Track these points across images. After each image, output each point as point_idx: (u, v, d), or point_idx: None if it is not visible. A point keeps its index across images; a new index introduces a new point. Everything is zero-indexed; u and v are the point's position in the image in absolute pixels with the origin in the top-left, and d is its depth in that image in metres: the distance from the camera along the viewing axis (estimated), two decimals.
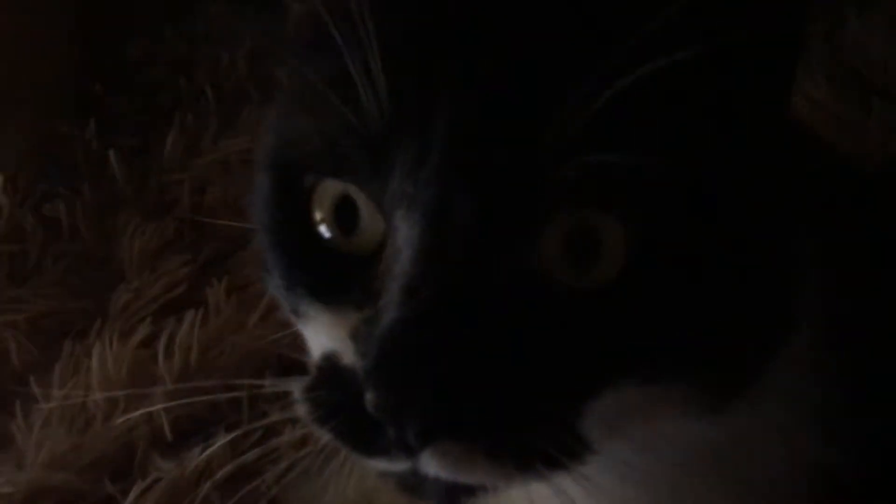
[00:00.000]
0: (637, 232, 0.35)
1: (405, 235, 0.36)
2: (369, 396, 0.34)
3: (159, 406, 0.65)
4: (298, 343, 0.44)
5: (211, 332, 0.73)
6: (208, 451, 0.63)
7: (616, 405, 0.37)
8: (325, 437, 0.39)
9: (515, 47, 0.36)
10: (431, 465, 0.36)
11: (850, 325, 0.45)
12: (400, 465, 0.37)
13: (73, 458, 0.65)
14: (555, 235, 0.36)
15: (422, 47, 0.36)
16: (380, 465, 0.38)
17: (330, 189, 0.39)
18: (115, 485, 0.64)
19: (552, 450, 0.36)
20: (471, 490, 0.38)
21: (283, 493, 0.65)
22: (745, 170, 0.38)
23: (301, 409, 0.39)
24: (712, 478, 0.44)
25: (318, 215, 0.39)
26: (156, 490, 0.63)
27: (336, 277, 0.39)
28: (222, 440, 0.61)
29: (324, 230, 0.39)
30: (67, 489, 0.64)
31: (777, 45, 0.38)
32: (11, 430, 0.68)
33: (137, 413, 0.65)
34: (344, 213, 0.39)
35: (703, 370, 0.38)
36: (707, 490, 0.44)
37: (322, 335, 0.39)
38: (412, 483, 0.38)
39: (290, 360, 0.58)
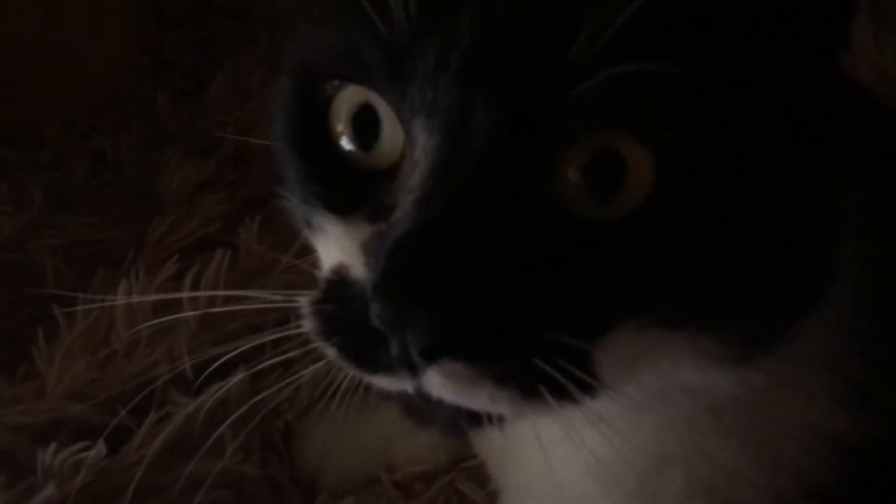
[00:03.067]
0: (664, 160, 0.32)
1: (422, 145, 0.33)
2: (374, 308, 0.32)
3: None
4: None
5: (239, 273, 0.67)
6: (226, 387, 0.58)
7: (634, 344, 0.33)
8: (329, 352, 0.36)
9: None
10: (435, 385, 0.33)
11: None
12: (403, 384, 0.34)
13: (92, 392, 0.61)
14: (576, 160, 0.32)
15: None
16: (383, 382, 0.35)
17: (351, 96, 0.36)
18: (132, 417, 0.59)
19: (562, 379, 0.33)
20: (476, 418, 0.35)
21: (297, 433, 0.61)
22: (786, 107, 0.34)
23: (307, 323, 0.36)
24: (728, 434, 0.40)
25: (338, 126, 0.36)
26: (170, 423, 0.58)
27: (351, 190, 0.36)
28: (241, 375, 0.57)
29: (344, 143, 0.36)
30: (83, 420, 0.59)
31: None
32: (35, 356, 0.63)
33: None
34: (364, 125, 0.35)
35: (725, 317, 0.34)
36: (721, 446, 0.40)
37: (333, 248, 0.37)
38: (416, 407, 0.36)
39: None
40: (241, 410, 0.50)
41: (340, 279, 0.35)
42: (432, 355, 0.32)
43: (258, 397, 0.47)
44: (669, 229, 0.32)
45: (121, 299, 0.63)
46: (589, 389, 0.33)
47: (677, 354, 0.35)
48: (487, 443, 0.50)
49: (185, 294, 0.63)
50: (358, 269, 0.34)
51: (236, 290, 0.66)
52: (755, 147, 0.33)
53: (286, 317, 0.64)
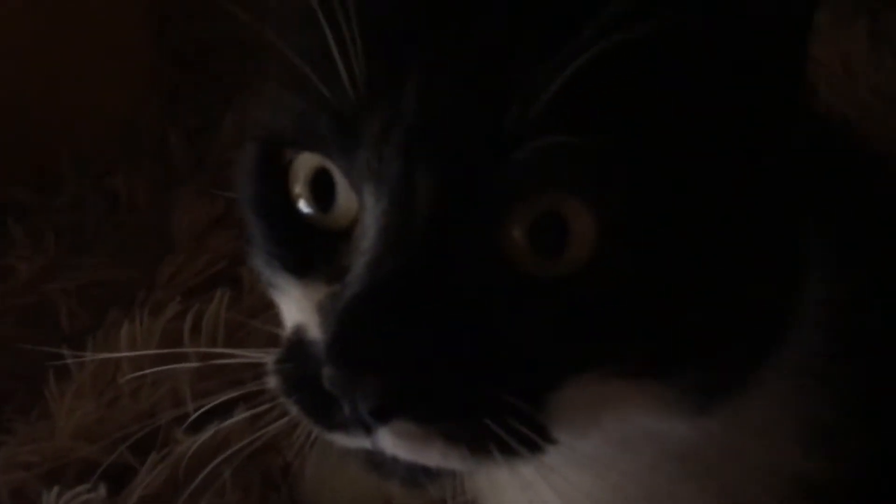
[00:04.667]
0: (607, 220, 0.32)
1: (371, 210, 0.34)
2: (325, 371, 0.33)
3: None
4: None
5: (242, 310, 0.68)
6: (228, 423, 0.59)
7: (585, 397, 0.33)
8: (291, 409, 0.37)
9: (484, 30, 0.33)
10: (389, 444, 0.34)
11: (867, 339, 0.39)
12: (358, 442, 0.35)
13: (98, 431, 0.62)
14: (519, 221, 0.32)
15: (398, 28, 0.34)
16: (341, 440, 0.36)
17: (306, 162, 0.37)
18: (136, 457, 0.60)
19: (509, 438, 0.33)
20: (433, 472, 0.36)
21: (296, 469, 0.62)
22: (736, 156, 0.34)
23: (271, 381, 0.37)
24: (691, 480, 0.40)
25: (296, 189, 0.37)
26: (171, 460, 0.59)
27: (309, 251, 0.37)
28: (242, 414, 0.58)
29: (302, 205, 0.37)
30: (89, 461, 0.60)
31: (769, 23, 0.34)
32: (47, 397, 0.65)
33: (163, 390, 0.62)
34: (321, 188, 0.36)
35: (681, 367, 0.34)
36: (685, 492, 0.40)
37: (293, 308, 0.38)
38: (376, 461, 0.36)
39: None
40: (240, 446, 0.51)
41: (298, 340, 0.36)
42: (382, 416, 0.33)
43: (257, 434, 0.48)
44: (618, 285, 0.32)
45: (124, 351, 0.64)
46: (536, 447, 0.34)
47: (635, 404, 0.35)
48: (475, 480, 0.50)
49: (189, 349, 0.64)
50: (314, 329, 0.35)
51: (238, 328, 0.68)
52: (706, 199, 0.33)
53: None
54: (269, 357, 0.38)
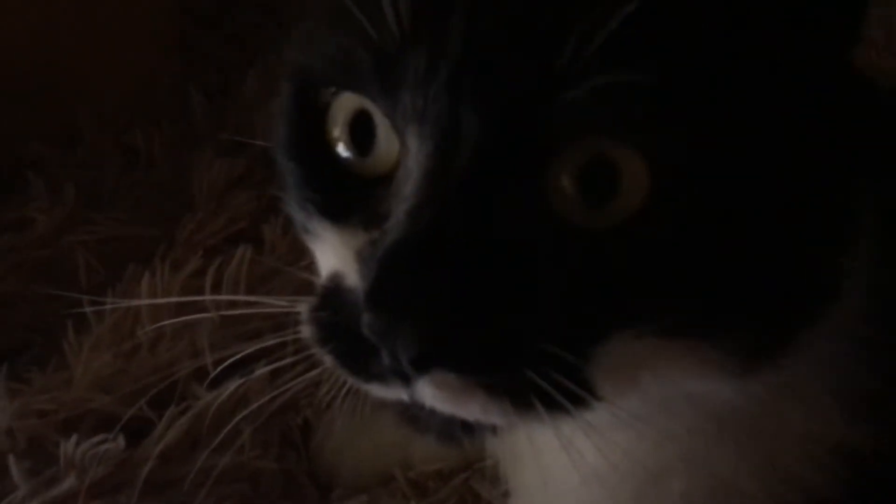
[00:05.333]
0: (659, 166, 0.31)
1: (415, 154, 0.33)
2: (365, 318, 0.32)
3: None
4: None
5: (263, 268, 0.68)
6: (247, 380, 0.59)
7: (630, 354, 0.32)
8: (325, 359, 0.36)
9: None
10: (428, 395, 0.33)
11: None
12: (396, 393, 0.34)
13: (116, 383, 0.61)
14: (568, 167, 0.31)
15: None
16: (378, 391, 0.35)
17: (347, 103, 0.36)
18: (154, 410, 0.60)
19: (554, 392, 0.32)
20: (470, 427, 0.34)
21: (315, 429, 0.61)
22: (790, 110, 0.33)
23: (305, 330, 0.36)
24: (729, 445, 0.39)
25: (334, 132, 0.36)
26: (190, 416, 0.58)
27: (347, 197, 0.36)
28: (262, 369, 0.58)
29: (340, 149, 0.36)
30: (106, 412, 0.60)
31: None
32: (64, 348, 0.65)
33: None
34: (360, 131, 0.35)
35: (727, 327, 0.33)
36: (722, 457, 0.39)
37: (330, 255, 0.37)
38: (411, 415, 0.35)
39: None
40: (259, 403, 0.50)
41: (336, 287, 0.35)
42: (423, 366, 0.32)
43: (276, 392, 0.47)
44: (666, 237, 0.31)
45: (144, 300, 0.63)
46: (583, 402, 0.33)
47: (678, 364, 0.34)
48: (500, 444, 0.50)
49: (208, 297, 0.63)
50: (352, 277, 0.34)
51: (259, 285, 0.67)
52: (758, 153, 0.32)
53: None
54: (300, 305, 0.37)
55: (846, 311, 0.36)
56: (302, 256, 0.69)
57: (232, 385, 0.60)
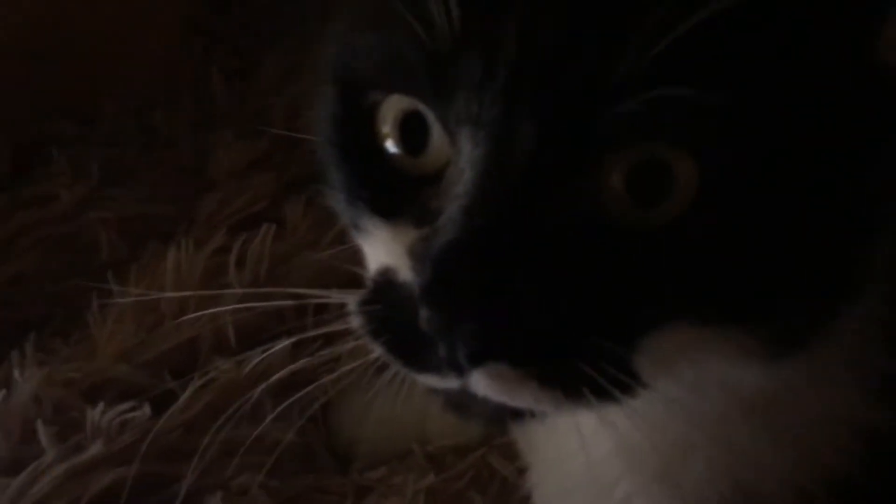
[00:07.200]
0: (710, 171, 0.32)
1: (468, 155, 0.33)
2: (423, 314, 0.33)
3: (226, 308, 0.61)
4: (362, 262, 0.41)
5: (284, 247, 0.69)
6: (268, 354, 0.59)
7: (672, 343, 0.34)
8: (377, 350, 0.37)
9: None
10: (481, 386, 0.34)
11: None
12: (450, 383, 0.35)
13: (139, 353, 0.63)
14: (620, 167, 0.32)
15: None
16: (430, 381, 0.36)
17: (397, 103, 0.36)
18: (176, 381, 0.61)
19: (604, 381, 0.33)
20: (518, 413, 0.36)
21: (334, 403, 0.62)
22: (827, 112, 0.33)
23: (355, 322, 0.37)
24: (756, 427, 0.40)
25: (384, 129, 0.36)
26: (212, 387, 0.60)
27: (397, 193, 0.36)
28: (283, 344, 0.59)
29: (390, 146, 0.36)
30: (130, 381, 0.61)
31: None
32: (88, 320, 0.66)
33: (205, 313, 0.62)
34: (411, 130, 0.36)
35: (764, 317, 0.34)
36: (749, 438, 0.41)
37: (380, 250, 0.37)
38: (460, 402, 0.36)
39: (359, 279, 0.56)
40: (279, 376, 0.51)
41: (387, 281, 0.36)
42: (479, 359, 0.33)
43: (297, 365, 0.48)
44: (711, 234, 0.32)
45: (168, 280, 0.65)
46: (630, 389, 0.34)
47: (715, 351, 0.35)
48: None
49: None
50: (405, 272, 0.35)
51: (281, 263, 0.68)
52: (799, 153, 0.33)
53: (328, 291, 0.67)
54: (350, 297, 0.38)
55: (871, 297, 0.38)
56: (322, 237, 0.72)
57: (255, 358, 0.62)
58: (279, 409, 0.60)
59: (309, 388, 0.52)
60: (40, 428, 0.57)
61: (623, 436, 0.37)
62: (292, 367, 0.49)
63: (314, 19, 0.94)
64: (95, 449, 0.56)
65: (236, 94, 0.89)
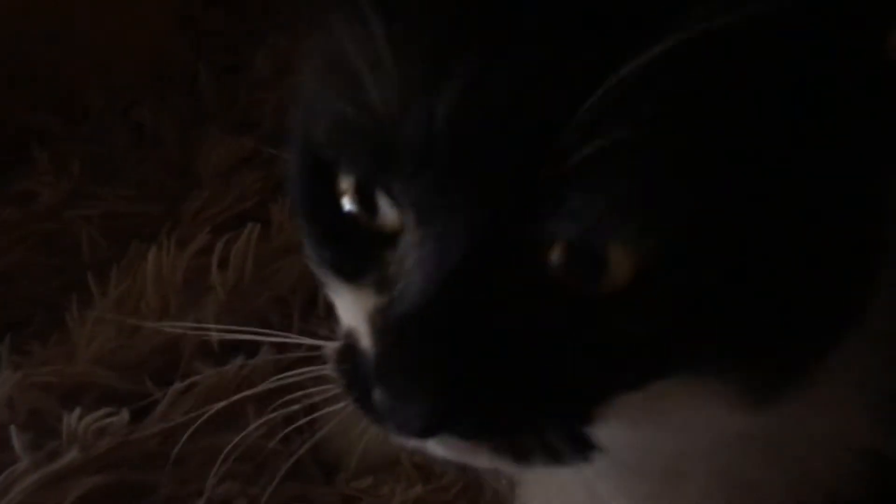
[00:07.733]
0: (645, 257, 0.31)
1: (413, 232, 0.33)
2: (376, 393, 0.33)
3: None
4: None
5: (270, 249, 0.68)
6: (252, 363, 0.60)
7: (636, 403, 0.33)
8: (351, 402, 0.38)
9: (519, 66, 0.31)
10: (438, 450, 0.36)
11: None
12: (412, 443, 0.37)
13: (119, 358, 0.61)
14: (559, 247, 0.32)
15: (432, 46, 0.32)
16: (395, 438, 0.37)
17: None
18: (156, 387, 0.60)
19: (553, 449, 0.34)
20: None
21: (325, 414, 0.61)
22: (808, 157, 0.32)
23: (331, 369, 0.38)
24: (753, 453, 0.39)
25: (342, 186, 0.36)
26: (193, 393, 0.58)
27: (360, 255, 0.36)
28: (267, 356, 0.58)
29: (346, 202, 0.36)
30: (108, 386, 0.60)
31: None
32: (67, 322, 0.64)
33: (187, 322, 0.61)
34: (366, 196, 0.35)
35: (746, 366, 0.33)
36: (745, 463, 0.39)
37: (346, 311, 0.38)
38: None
39: None
40: (263, 387, 0.50)
41: (352, 346, 0.37)
42: (429, 433, 0.34)
43: (281, 376, 0.47)
44: (662, 304, 0.31)
45: (149, 280, 0.63)
46: (582, 455, 0.35)
47: (691, 404, 0.34)
48: None
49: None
50: (365, 339, 0.36)
51: (267, 264, 0.67)
52: (760, 202, 0.31)
53: (313, 295, 0.65)
54: (327, 346, 0.39)
55: (872, 319, 0.36)
56: None
57: (237, 363, 0.60)
58: (263, 418, 0.59)
59: (294, 396, 0.51)
60: (14, 434, 0.55)
61: (616, 456, 0.36)
62: (278, 379, 0.48)
63: (306, 16, 0.93)
64: (71, 456, 0.54)
65: (226, 91, 0.87)
